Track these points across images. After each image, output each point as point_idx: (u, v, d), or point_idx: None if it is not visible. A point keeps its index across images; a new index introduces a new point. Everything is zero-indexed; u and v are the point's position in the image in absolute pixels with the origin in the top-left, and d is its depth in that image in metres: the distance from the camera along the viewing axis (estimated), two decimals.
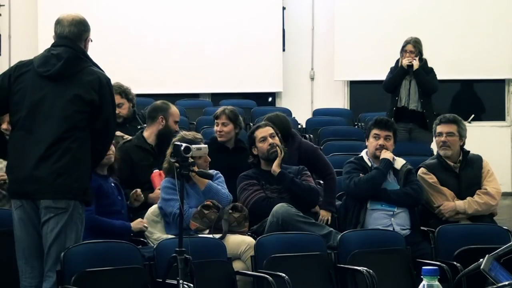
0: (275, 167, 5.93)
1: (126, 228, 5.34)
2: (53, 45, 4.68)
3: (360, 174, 5.97)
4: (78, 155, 4.51)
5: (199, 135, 5.84)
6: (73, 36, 4.65)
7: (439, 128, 6.32)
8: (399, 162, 6.10)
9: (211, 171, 5.65)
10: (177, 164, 4.59)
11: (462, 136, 6.27)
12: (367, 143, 6.22)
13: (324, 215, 6.12)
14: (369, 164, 6.08)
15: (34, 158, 4.48)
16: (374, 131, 6.13)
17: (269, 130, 6.07)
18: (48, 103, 4.54)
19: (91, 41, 4.76)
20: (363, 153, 6.19)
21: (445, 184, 6.18)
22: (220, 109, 6.69)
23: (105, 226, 5.21)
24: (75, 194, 4.50)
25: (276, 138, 6.05)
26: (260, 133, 6.06)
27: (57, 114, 4.52)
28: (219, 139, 6.53)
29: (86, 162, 4.59)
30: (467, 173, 6.22)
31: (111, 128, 4.73)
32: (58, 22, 4.70)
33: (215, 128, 6.58)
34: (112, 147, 5.42)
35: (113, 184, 5.44)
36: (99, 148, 4.74)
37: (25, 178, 4.51)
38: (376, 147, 6.08)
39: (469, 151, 6.34)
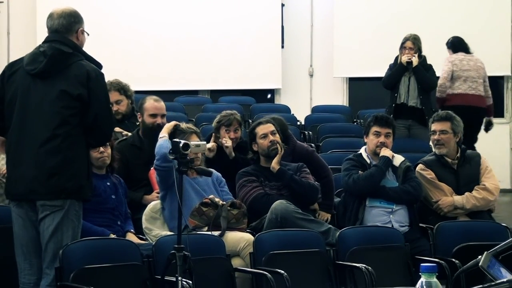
0: (275, 164, 5.93)
1: (105, 235, 5.18)
2: (43, 41, 4.63)
3: (359, 171, 5.97)
4: (70, 154, 4.47)
5: (193, 127, 5.75)
6: (62, 28, 4.58)
7: (433, 126, 6.32)
8: (398, 159, 6.09)
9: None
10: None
11: (456, 132, 6.26)
12: (366, 140, 6.20)
13: (324, 215, 6.12)
14: (368, 161, 6.08)
15: (27, 159, 4.47)
16: (375, 129, 6.11)
17: (270, 127, 6.06)
18: (37, 101, 4.49)
19: (87, 34, 4.67)
20: (362, 150, 6.18)
21: (443, 180, 6.18)
22: (228, 116, 6.33)
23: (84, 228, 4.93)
24: (68, 193, 4.46)
25: (277, 135, 6.04)
26: (261, 129, 6.05)
27: (46, 112, 4.47)
28: (229, 145, 6.21)
29: (80, 160, 4.53)
30: (465, 170, 6.22)
31: (104, 122, 4.58)
32: (49, 16, 4.63)
33: (226, 135, 6.25)
34: (108, 149, 5.39)
35: (108, 184, 5.38)
36: (92, 143, 4.70)
37: (18, 179, 4.50)
38: (377, 145, 6.07)
39: (467, 148, 6.34)
